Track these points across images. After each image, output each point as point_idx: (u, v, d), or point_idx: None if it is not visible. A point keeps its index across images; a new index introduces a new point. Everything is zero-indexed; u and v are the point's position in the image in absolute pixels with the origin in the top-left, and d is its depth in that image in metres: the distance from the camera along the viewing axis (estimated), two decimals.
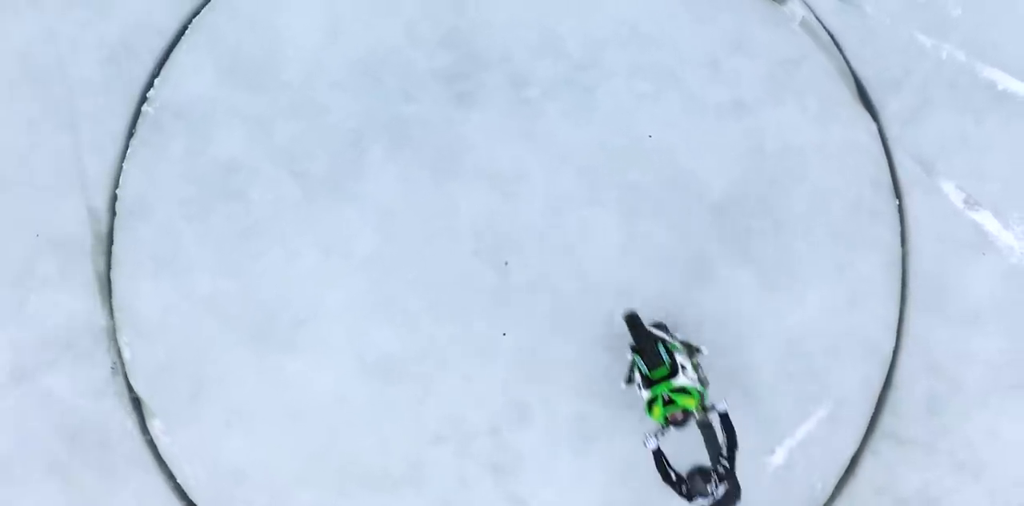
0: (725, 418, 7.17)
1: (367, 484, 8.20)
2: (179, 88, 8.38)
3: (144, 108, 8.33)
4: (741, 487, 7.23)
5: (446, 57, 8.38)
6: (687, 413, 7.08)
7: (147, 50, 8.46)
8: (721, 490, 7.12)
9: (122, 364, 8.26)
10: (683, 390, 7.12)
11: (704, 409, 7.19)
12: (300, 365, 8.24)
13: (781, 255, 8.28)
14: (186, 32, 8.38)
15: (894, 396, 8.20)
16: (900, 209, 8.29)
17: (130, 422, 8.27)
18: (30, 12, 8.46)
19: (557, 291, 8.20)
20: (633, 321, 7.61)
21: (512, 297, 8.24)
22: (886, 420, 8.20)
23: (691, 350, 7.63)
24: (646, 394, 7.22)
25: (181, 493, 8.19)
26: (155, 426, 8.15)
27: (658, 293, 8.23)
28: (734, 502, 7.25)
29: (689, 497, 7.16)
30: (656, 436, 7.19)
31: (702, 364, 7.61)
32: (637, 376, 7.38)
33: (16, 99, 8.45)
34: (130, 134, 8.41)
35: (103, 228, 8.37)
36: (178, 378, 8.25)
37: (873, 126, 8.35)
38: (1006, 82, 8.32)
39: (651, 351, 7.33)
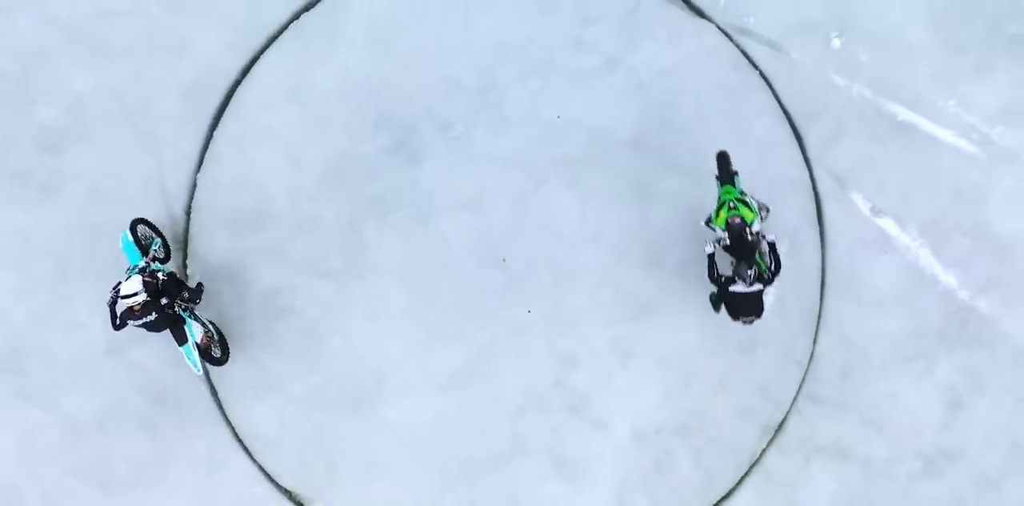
0: (773, 247, 8.23)
1: (487, 468, 9.26)
2: (207, 257, 9.36)
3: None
4: (764, 309, 8.28)
5: (385, 136, 9.35)
6: (744, 223, 8.01)
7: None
8: (756, 287, 8.06)
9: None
10: (744, 203, 8.11)
11: (756, 233, 8.18)
12: (397, 409, 9.28)
13: (695, 154, 9.08)
14: (191, 215, 9.35)
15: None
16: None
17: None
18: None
19: (551, 261, 9.22)
20: (722, 157, 8.54)
21: (521, 282, 9.25)
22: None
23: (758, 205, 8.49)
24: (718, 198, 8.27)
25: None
26: None
27: (622, 223, 9.16)
28: (757, 312, 8.30)
29: (725, 288, 8.13)
30: (713, 244, 8.23)
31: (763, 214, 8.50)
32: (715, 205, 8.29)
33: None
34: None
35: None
36: (314, 465, 9.31)
37: (711, 26, 9.17)
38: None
39: (727, 177, 8.43)
